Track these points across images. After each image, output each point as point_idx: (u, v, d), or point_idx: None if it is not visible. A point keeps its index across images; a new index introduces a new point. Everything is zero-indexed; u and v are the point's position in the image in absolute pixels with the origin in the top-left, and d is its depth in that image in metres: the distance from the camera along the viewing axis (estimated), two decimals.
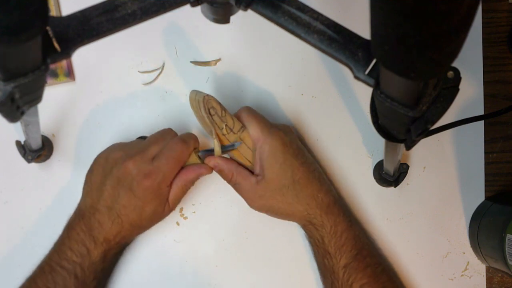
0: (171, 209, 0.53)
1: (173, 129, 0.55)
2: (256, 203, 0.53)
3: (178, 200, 0.53)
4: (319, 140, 0.61)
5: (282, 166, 0.51)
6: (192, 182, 0.53)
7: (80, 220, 0.51)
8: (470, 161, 0.61)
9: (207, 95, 0.52)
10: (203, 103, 0.51)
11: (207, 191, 0.61)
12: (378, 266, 0.52)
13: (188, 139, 0.52)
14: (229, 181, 0.53)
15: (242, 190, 0.53)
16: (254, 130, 0.52)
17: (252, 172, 0.53)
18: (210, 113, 0.51)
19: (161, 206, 0.52)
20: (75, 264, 0.49)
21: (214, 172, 0.53)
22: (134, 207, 0.50)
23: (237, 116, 0.54)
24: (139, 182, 0.49)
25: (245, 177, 0.52)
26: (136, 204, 0.50)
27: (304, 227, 0.54)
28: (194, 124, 0.61)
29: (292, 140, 0.53)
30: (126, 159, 0.50)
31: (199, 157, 0.53)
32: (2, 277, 0.60)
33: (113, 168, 0.50)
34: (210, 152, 0.53)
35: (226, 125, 0.52)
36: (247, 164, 0.53)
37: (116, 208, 0.50)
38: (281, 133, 0.52)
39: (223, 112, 0.52)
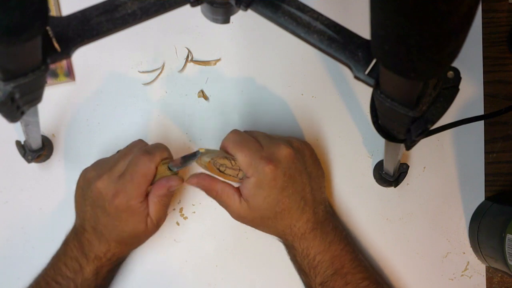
0: (156, 225, 0.52)
1: (172, 129, 0.55)
2: (237, 219, 0.53)
3: (160, 214, 0.51)
4: (319, 140, 0.61)
5: (267, 200, 0.49)
6: (166, 196, 0.50)
7: (74, 237, 0.52)
8: (470, 161, 0.61)
9: (212, 158, 0.50)
10: (212, 166, 0.50)
11: None
12: (362, 281, 0.51)
13: (153, 150, 0.50)
14: (213, 198, 0.52)
15: (225, 206, 0.52)
16: (241, 164, 0.50)
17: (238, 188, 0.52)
18: (220, 171, 0.50)
19: (141, 224, 0.50)
20: (69, 280, 0.50)
21: None
22: (113, 226, 0.50)
23: (223, 147, 0.51)
24: (109, 202, 0.48)
25: (229, 196, 0.51)
26: (113, 223, 0.50)
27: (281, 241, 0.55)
28: (194, 124, 0.61)
29: (285, 169, 0.49)
30: (96, 179, 0.49)
31: (169, 168, 0.50)
32: (2, 277, 0.60)
33: (87, 189, 0.50)
34: (178, 162, 0.50)
35: (239, 170, 0.51)
36: (235, 180, 0.52)
37: (99, 228, 0.50)
38: (270, 167, 0.48)
39: (232, 162, 0.50)
